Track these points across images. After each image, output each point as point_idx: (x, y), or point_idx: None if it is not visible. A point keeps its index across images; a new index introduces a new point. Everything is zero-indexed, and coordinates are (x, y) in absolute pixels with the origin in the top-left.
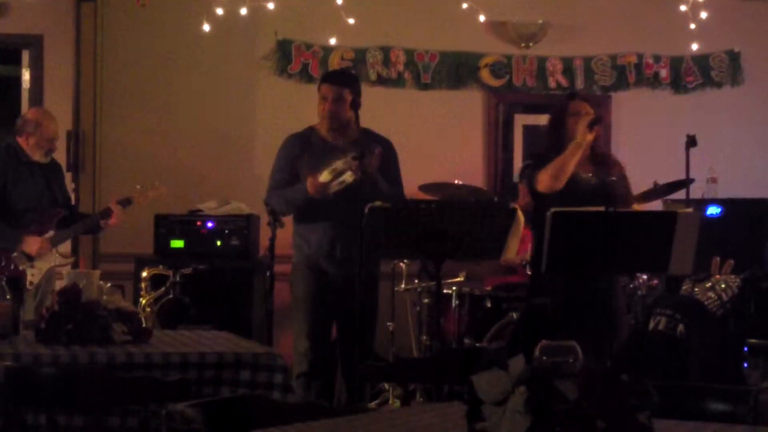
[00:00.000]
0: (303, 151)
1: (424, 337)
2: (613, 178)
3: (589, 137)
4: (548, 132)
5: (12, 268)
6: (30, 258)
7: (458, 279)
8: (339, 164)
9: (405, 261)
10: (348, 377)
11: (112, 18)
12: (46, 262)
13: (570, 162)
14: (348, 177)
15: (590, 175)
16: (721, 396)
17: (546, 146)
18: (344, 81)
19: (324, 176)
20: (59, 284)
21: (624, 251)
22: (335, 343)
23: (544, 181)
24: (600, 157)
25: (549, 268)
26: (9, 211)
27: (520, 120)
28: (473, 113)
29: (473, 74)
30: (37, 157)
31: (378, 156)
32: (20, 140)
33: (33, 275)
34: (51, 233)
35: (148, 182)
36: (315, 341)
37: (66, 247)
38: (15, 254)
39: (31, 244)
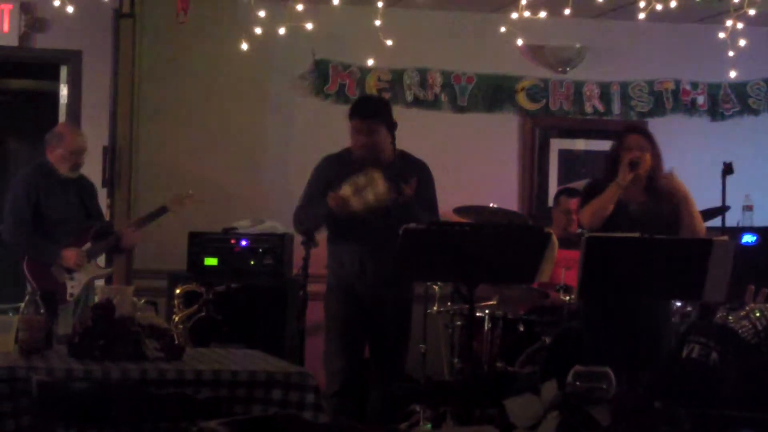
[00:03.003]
0: (339, 172)
1: (456, 360)
2: (664, 207)
3: (629, 177)
4: (606, 162)
5: (50, 281)
6: (69, 270)
7: (491, 302)
8: (361, 180)
9: (438, 283)
10: (380, 398)
11: (151, 35)
12: (86, 273)
13: (609, 203)
14: (370, 195)
15: (639, 204)
16: (754, 425)
17: (603, 175)
18: (374, 112)
19: (344, 190)
20: (96, 297)
21: (658, 278)
22: (367, 364)
23: (584, 218)
24: (656, 187)
25: (582, 293)
26: (44, 225)
27: (556, 144)
28: (509, 137)
29: (510, 97)
30: (64, 170)
31: (413, 184)
32: (49, 155)
33: (73, 287)
34: (88, 245)
35: (183, 190)
36: (347, 362)
37: (101, 261)
38: (53, 267)
39: (69, 257)
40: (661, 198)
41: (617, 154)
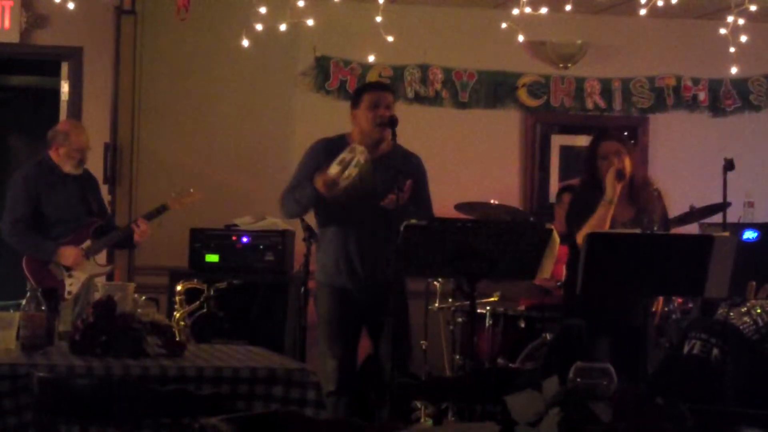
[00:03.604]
0: (330, 159)
1: (458, 356)
2: (655, 227)
3: (618, 189)
4: (583, 170)
5: (49, 278)
6: (67, 268)
7: (492, 299)
8: (346, 155)
9: (439, 279)
10: (379, 394)
11: (152, 31)
12: (84, 271)
13: (605, 220)
14: (353, 170)
15: (628, 225)
16: (755, 421)
17: (582, 183)
18: (388, 86)
19: (332, 169)
20: (96, 295)
21: (660, 274)
22: (365, 360)
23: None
24: (640, 193)
25: (584, 290)
26: (44, 223)
27: (557, 140)
28: (510, 133)
29: (511, 94)
30: (69, 168)
31: (408, 188)
32: (52, 153)
33: (71, 284)
34: (88, 243)
35: (184, 189)
36: (341, 360)
37: (101, 258)
38: (52, 265)
39: (67, 255)
40: (647, 209)
41: (593, 164)
